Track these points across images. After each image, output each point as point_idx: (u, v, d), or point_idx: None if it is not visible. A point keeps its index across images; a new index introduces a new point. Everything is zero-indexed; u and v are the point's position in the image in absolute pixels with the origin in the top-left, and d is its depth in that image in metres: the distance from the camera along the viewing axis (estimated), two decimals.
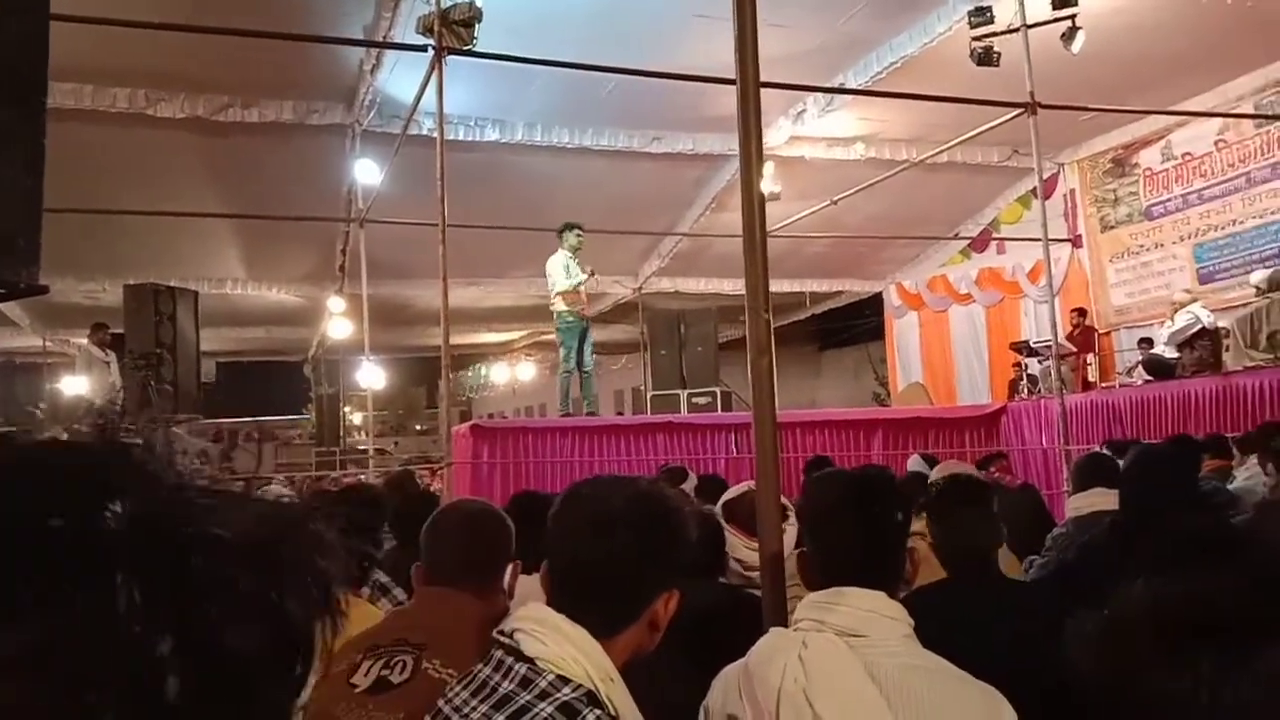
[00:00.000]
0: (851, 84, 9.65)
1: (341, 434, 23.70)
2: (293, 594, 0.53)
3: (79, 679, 0.46)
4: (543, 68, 7.93)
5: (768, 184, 11.17)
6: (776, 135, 11.02)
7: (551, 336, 20.71)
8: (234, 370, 23.21)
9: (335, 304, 13.80)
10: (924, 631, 1.65)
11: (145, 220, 10.48)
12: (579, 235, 9.78)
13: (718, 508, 3.05)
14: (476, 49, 7.01)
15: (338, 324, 14.50)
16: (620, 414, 22.71)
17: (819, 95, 10.11)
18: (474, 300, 15.41)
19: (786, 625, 1.74)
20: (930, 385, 15.03)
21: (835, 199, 11.26)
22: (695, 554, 2.36)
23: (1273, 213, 10.82)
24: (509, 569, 1.94)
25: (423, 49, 7.04)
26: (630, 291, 15.53)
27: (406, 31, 7.81)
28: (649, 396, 13.39)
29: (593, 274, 9.93)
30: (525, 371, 27.16)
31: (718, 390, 12.44)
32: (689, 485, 4.84)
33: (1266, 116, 10.57)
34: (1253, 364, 8.17)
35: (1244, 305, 9.29)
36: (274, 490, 5.52)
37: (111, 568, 0.47)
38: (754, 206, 2.14)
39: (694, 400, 12.81)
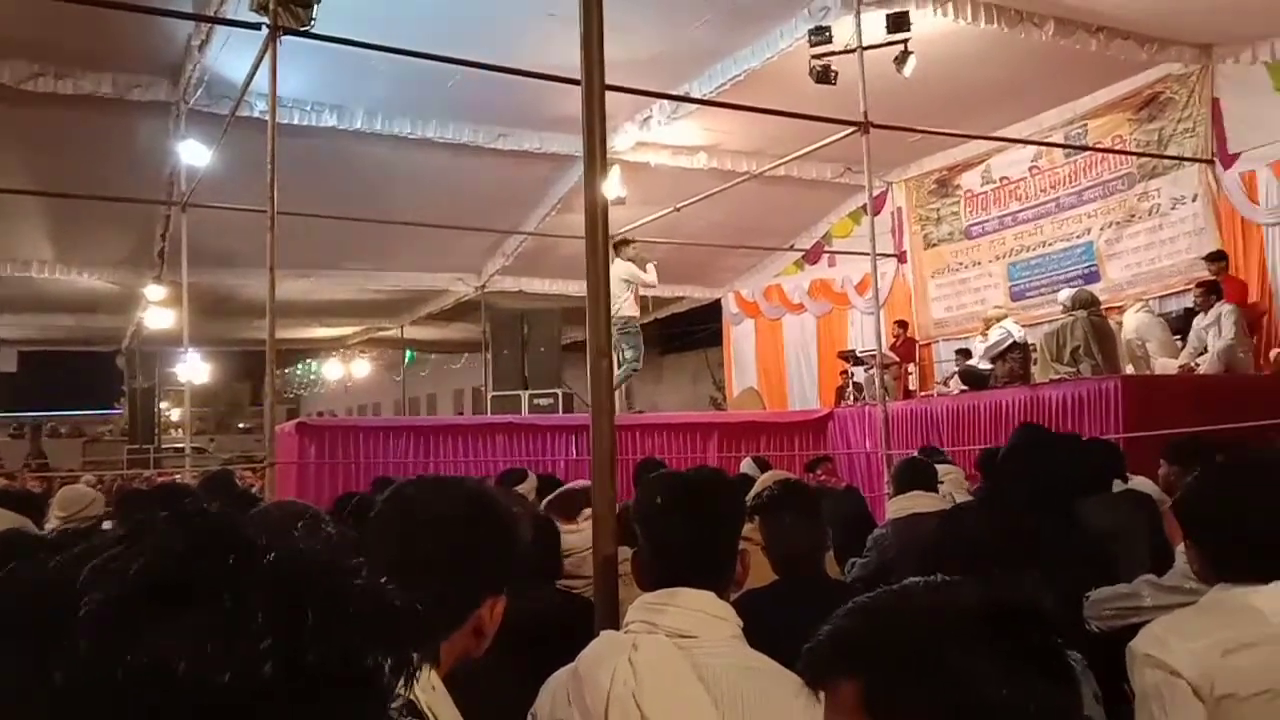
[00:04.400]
0: (696, 93, 9.82)
1: (157, 431, 22.39)
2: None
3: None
4: (387, 55, 7.71)
5: (613, 188, 11.25)
6: (623, 140, 11.10)
7: (389, 333, 20.33)
8: (38, 360, 21.69)
9: (153, 292, 12.97)
10: (754, 632, 1.68)
11: None
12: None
13: (544, 503, 3.04)
14: (314, 31, 6.72)
15: (155, 313, 13.64)
16: (460, 414, 22.39)
17: (665, 103, 10.25)
18: (305, 293, 14.82)
19: (618, 627, 1.74)
20: (764, 391, 15.48)
21: (678, 206, 11.44)
22: (528, 558, 2.33)
23: (1078, 236, 11.67)
24: None
25: (256, 27, 6.71)
26: (472, 290, 15.31)
27: (240, 7, 7.41)
28: (490, 397, 13.23)
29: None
30: (360, 369, 26.35)
31: (560, 392, 12.41)
32: (528, 487, 4.80)
33: (1075, 147, 11.41)
34: (1057, 376, 8.77)
35: (1051, 321, 9.97)
36: (82, 490, 5.12)
37: None
38: (596, 208, 2.13)
39: (536, 401, 12.73)
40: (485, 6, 8.33)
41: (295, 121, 9.68)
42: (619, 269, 10.39)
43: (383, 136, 10.36)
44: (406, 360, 22.69)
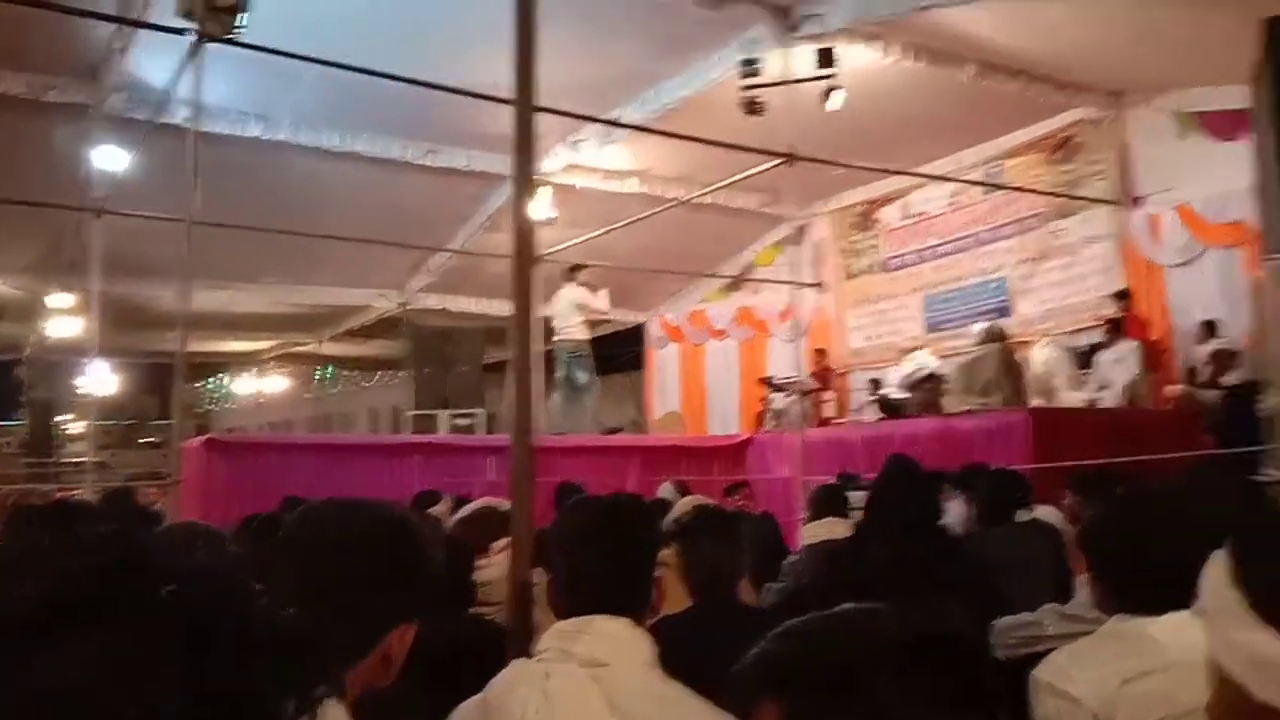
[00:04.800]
0: (628, 119, 9.88)
1: (57, 444, 21.51)
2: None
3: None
4: (316, 66, 7.59)
5: (543, 209, 11.25)
6: (554, 162, 11.10)
7: (306, 348, 19.91)
8: None
9: (59, 300, 12.50)
10: (670, 658, 1.67)
11: None
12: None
13: (451, 526, 2.98)
14: (241, 39, 6.58)
15: (60, 322, 13.14)
16: (378, 433, 22.00)
17: (597, 126, 10.29)
18: (221, 305, 14.43)
19: (531, 655, 1.72)
20: (686, 415, 15.56)
21: (607, 229, 11.47)
22: (440, 583, 2.29)
23: (993, 271, 12.03)
24: None
25: (181, 32, 6.54)
26: (395, 306, 15.07)
27: (164, 11, 7.22)
28: (409, 416, 13.05)
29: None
30: (274, 385, 25.75)
31: (482, 412, 12.30)
32: (442, 509, 4.73)
33: (992, 185, 11.77)
34: (969, 407, 9.00)
35: (965, 354, 10.24)
36: None
37: None
38: (524, 228, 2.12)
39: (456, 421, 12.60)
40: (418, 23, 8.26)
41: (219, 130, 9.46)
42: (572, 294, 10.76)
43: (309, 149, 10.19)
44: (324, 376, 22.23)
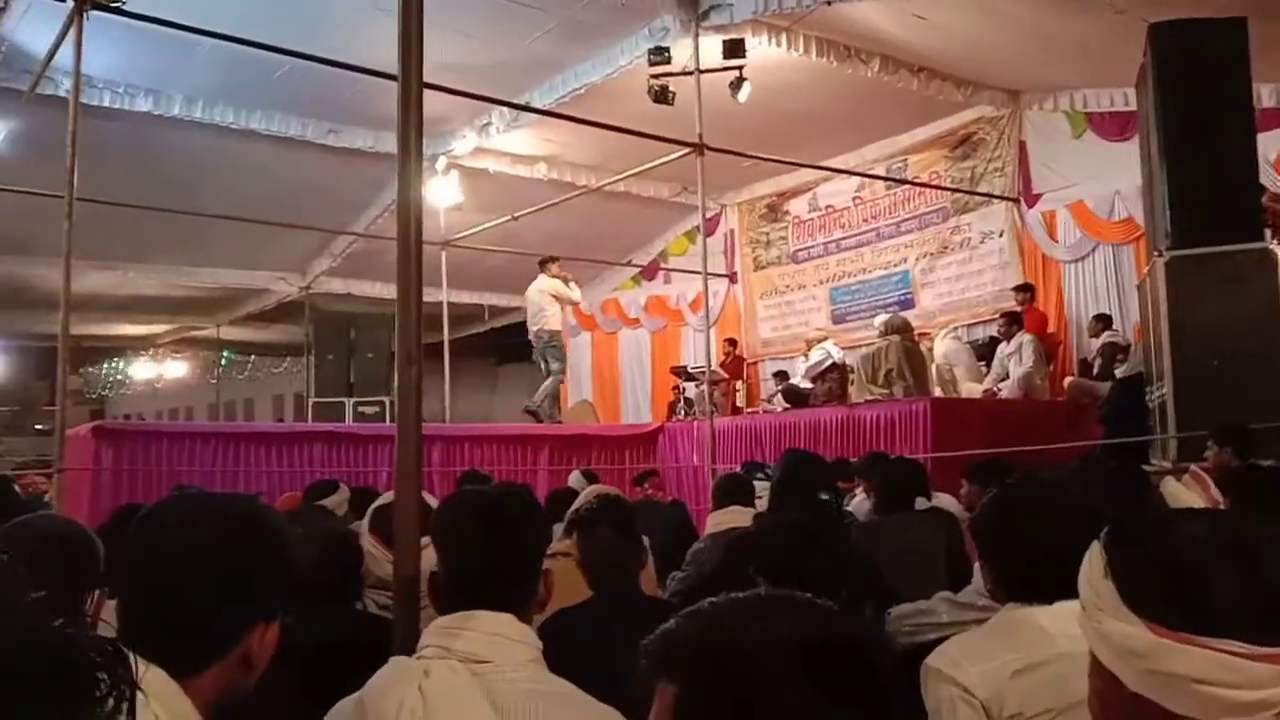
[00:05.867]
0: (536, 103, 9.76)
1: None
2: None
3: None
4: (210, 40, 7.29)
5: (451, 193, 11.05)
6: (462, 145, 10.93)
7: (204, 333, 19.23)
8: None
9: None
10: (565, 651, 1.63)
11: None
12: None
13: (365, 519, 2.89)
14: (125, 8, 6.28)
15: None
16: (280, 420, 21.41)
17: (505, 110, 10.15)
18: (111, 286, 13.83)
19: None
20: (598, 404, 15.51)
21: (516, 215, 11.33)
22: (318, 577, 2.20)
23: (895, 265, 12.28)
24: (91, 597, 1.68)
25: None
26: (296, 290, 14.65)
27: None
28: (310, 403, 12.71)
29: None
30: (173, 370, 24.83)
31: (387, 400, 12.06)
32: (339, 499, 4.59)
33: (894, 180, 12.01)
34: (872, 397, 9.16)
35: (868, 345, 10.42)
36: None
37: None
38: (409, 208, 2.04)
39: (361, 409, 12.34)
40: None
41: (105, 104, 9.06)
42: (545, 284, 11.07)
43: (203, 125, 9.79)
44: (222, 362, 21.52)
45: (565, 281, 11.25)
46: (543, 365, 11.39)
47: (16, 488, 5.91)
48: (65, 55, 6.58)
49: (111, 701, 0.59)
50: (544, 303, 11.08)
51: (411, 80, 1.99)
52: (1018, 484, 2.04)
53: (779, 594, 0.94)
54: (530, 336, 11.39)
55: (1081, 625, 1.03)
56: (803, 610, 0.90)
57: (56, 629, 0.59)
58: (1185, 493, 3.21)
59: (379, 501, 2.93)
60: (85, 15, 6.12)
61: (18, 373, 25.91)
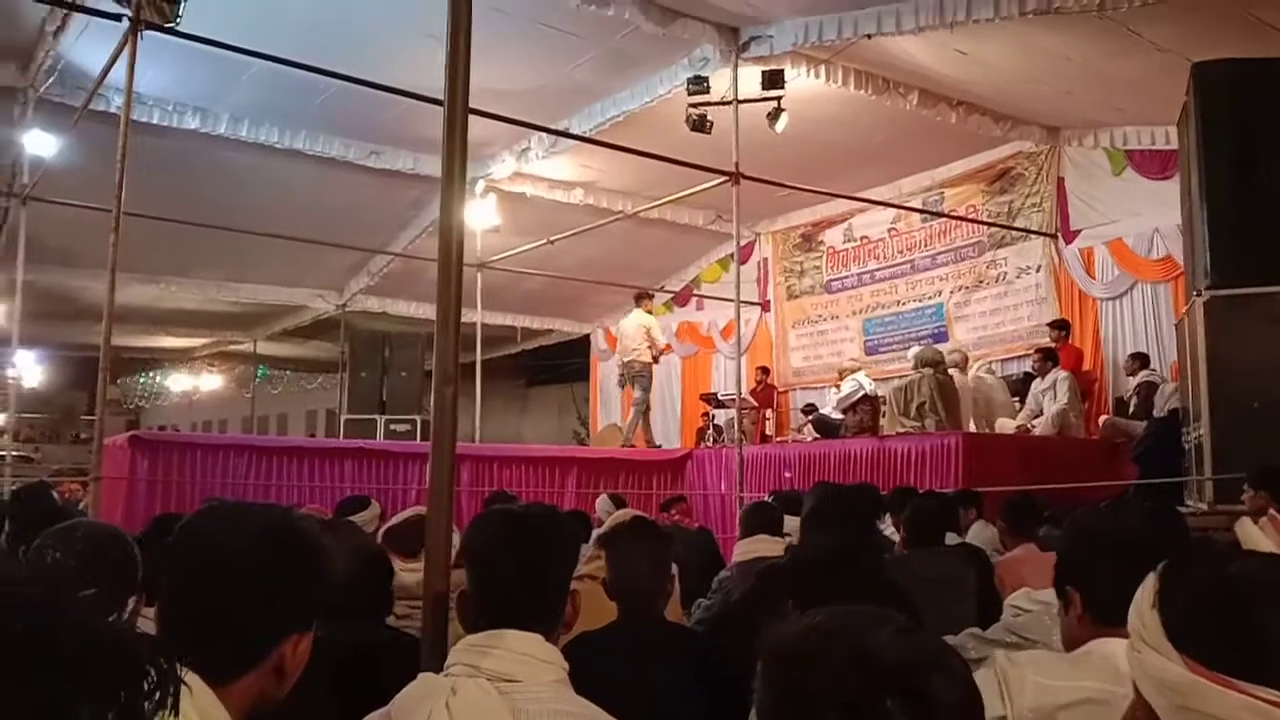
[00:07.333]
0: (575, 130, 9.87)
1: None
2: None
3: None
4: (259, 61, 7.46)
5: (489, 216, 11.18)
6: (501, 169, 11.05)
7: (241, 347, 19.50)
8: None
9: None
10: (587, 676, 1.63)
11: None
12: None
13: (378, 537, 2.94)
14: (179, 28, 6.44)
15: None
16: (313, 435, 21.60)
17: (544, 136, 10.26)
18: (153, 299, 14.07)
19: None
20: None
21: (552, 239, 11.43)
22: (349, 593, 2.23)
23: (930, 297, 12.22)
24: (130, 603, 1.72)
25: (117, 18, 6.38)
26: (333, 308, 14.84)
27: None
28: (343, 419, 12.81)
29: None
30: (209, 383, 25.14)
31: (419, 418, 12.13)
32: (369, 516, 4.63)
33: (931, 212, 11.98)
34: (903, 430, 9.10)
35: (900, 377, 10.37)
36: None
37: None
38: (451, 231, 2.08)
39: (392, 427, 12.40)
40: (363, 23, 8.17)
41: (155, 121, 9.26)
42: (643, 320, 11.57)
43: (248, 144, 9.99)
44: (258, 377, 21.77)
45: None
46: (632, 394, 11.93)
47: (55, 494, 6.01)
48: (118, 73, 6.76)
49: (158, 695, 0.61)
50: (640, 337, 11.48)
51: (457, 107, 2.04)
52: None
53: (881, 613, 0.98)
54: (620, 365, 11.89)
55: (1127, 652, 1.04)
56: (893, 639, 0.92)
57: (112, 623, 0.61)
58: (1260, 536, 3.13)
59: (391, 523, 3.00)
60: (140, 35, 6.29)
61: (57, 382, 26.36)
